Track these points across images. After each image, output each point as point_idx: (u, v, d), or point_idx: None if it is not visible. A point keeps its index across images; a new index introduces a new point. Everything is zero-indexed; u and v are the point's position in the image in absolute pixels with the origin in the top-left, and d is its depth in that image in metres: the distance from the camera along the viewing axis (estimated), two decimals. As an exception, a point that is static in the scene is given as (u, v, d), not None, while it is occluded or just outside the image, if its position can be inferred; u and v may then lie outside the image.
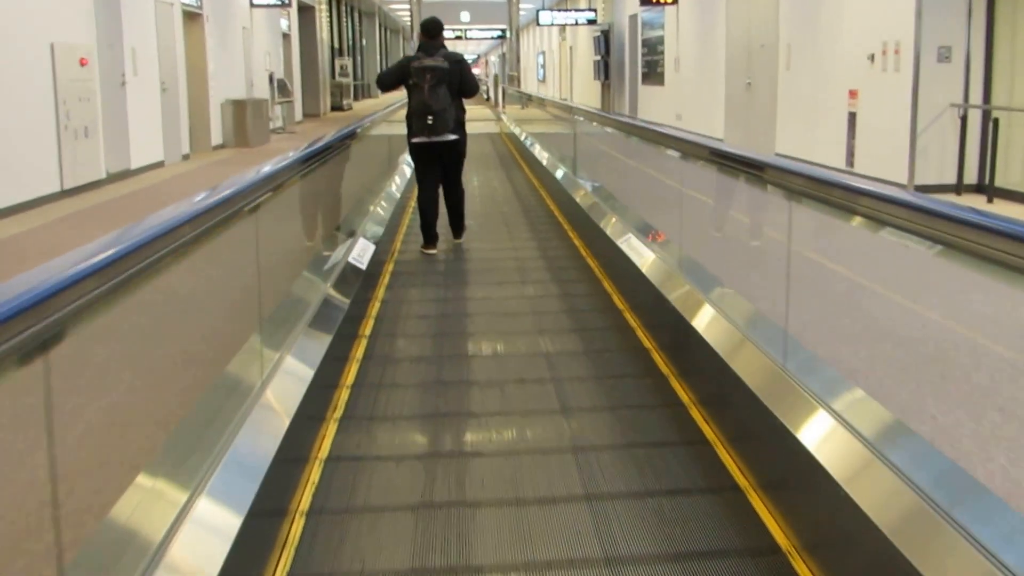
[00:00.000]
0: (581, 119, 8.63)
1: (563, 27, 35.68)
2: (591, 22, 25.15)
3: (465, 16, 26.87)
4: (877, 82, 9.48)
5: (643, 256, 4.80)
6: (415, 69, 6.07)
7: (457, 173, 6.57)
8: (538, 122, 15.61)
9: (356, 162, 6.19)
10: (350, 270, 4.65)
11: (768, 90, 12.80)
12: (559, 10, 25.56)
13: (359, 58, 38.63)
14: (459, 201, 6.64)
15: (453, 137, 6.26)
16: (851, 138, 10.18)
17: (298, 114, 22.45)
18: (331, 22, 30.55)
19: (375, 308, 4.89)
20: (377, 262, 5.63)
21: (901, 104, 8.98)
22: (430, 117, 6.07)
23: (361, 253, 5.02)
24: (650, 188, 5.55)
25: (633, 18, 22.22)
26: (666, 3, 17.94)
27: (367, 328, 4.49)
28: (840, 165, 10.42)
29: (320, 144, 4.28)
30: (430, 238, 6.38)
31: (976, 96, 8.70)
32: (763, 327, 3.13)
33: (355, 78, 35.92)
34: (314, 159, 3.99)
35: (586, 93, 29.67)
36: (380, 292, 5.28)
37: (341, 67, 30.94)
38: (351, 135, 5.56)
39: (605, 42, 23.93)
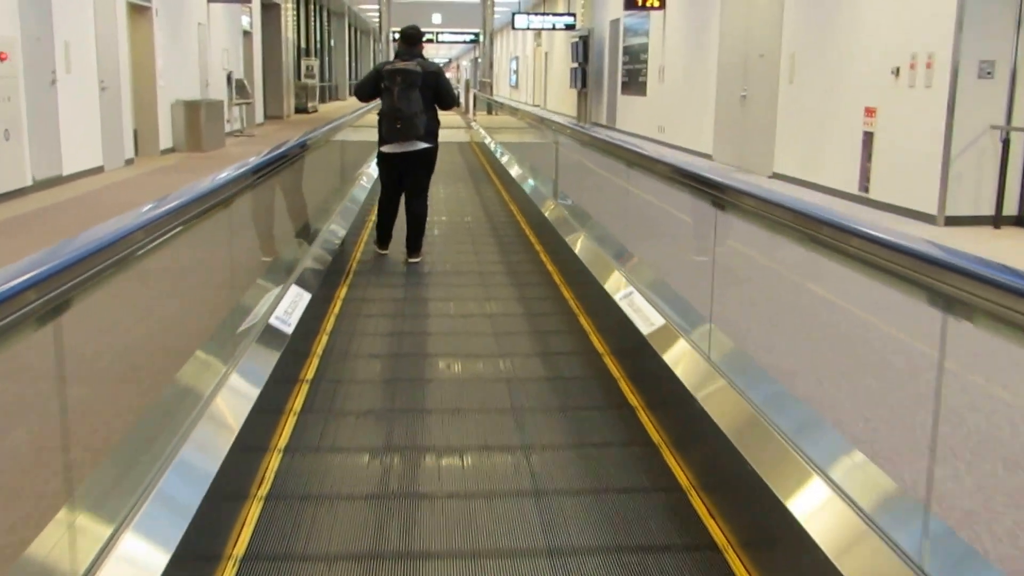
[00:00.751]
0: (552, 129, 8.06)
1: (539, 32, 34.72)
2: (569, 27, 24.14)
3: (437, 18, 25.73)
4: (902, 99, 8.48)
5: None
6: (387, 72, 5.92)
7: (423, 185, 6.31)
8: (509, 131, 14.64)
9: (304, 180, 5.63)
10: (270, 334, 3.54)
11: (766, 104, 11.80)
12: (535, 14, 24.53)
13: (327, 59, 37.41)
14: (422, 215, 6.31)
15: (424, 146, 6.04)
16: (866, 160, 9.18)
17: (259, 116, 21.23)
18: (297, 21, 29.33)
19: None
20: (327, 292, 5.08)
21: (932, 124, 7.99)
22: (399, 122, 5.88)
23: (289, 309, 3.88)
24: (627, 208, 5.22)
25: (614, 24, 21.22)
26: (653, 7, 16.94)
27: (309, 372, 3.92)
28: (851, 190, 9.43)
29: (246, 168, 3.22)
30: (384, 238, 6.37)
31: (1021, 118, 7.72)
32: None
33: (322, 79, 34.76)
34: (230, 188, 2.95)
35: (561, 101, 28.64)
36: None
37: (307, 68, 29.76)
38: (297, 150, 4.69)
39: (583, 48, 22.92)
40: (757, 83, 12.19)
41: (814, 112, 10.45)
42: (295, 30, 27.65)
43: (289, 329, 3.74)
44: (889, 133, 8.76)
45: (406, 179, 6.19)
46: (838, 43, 9.80)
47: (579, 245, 5.53)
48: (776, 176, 11.46)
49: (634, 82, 19.31)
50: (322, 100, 32.97)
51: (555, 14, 24.66)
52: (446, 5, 27.53)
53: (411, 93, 5.85)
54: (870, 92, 9.08)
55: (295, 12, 28.53)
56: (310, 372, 3.92)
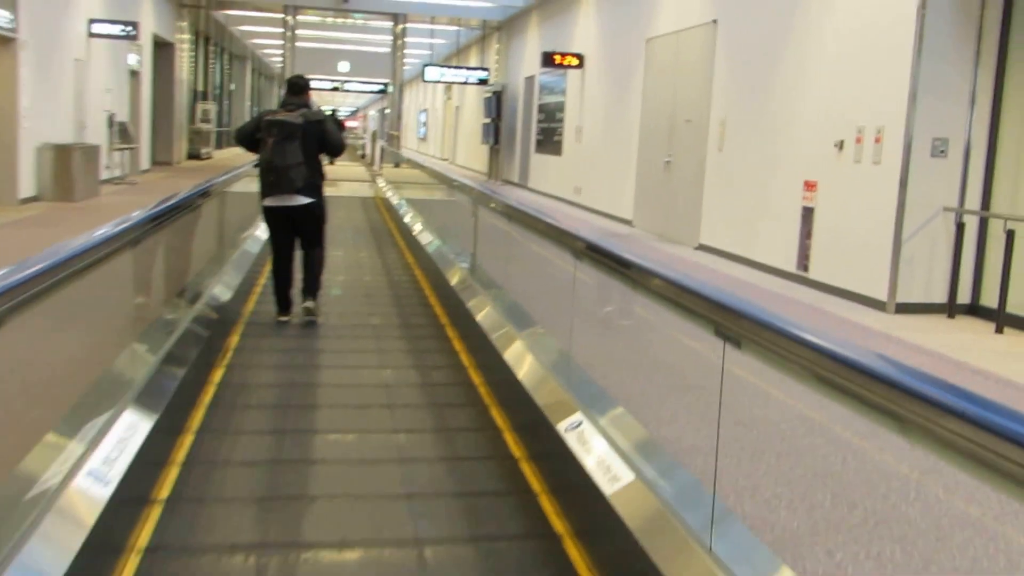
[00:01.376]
0: (459, 190, 7.76)
1: (450, 86, 34.06)
2: (482, 82, 23.42)
3: (344, 66, 24.70)
4: (847, 174, 7.81)
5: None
6: (266, 123, 5.74)
7: (316, 237, 6.14)
8: (416, 187, 13.76)
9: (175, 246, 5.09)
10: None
11: (693, 172, 11.11)
12: (448, 67, 23.76)
13: (227, 103, 35.96)
14: (318, 263, 6.16)
15: (305, 200, 5.82)
16: (805, 237, 8.48)
17: (145, 162, 19.74)
18: (195, 62, 27.94)
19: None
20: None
21: (881, 204, 7.31)
22: (272, 175, 5.72)
23: (112, 455, 2.85)
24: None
25: (529, 80, 20.58)
26: (571, 66, 16.29)
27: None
28: (788, 268, 8.72)
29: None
30: (284, 305, 6.06)
31: (974, 199, 7.09)
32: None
33: (220, 124, 33.30)
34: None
35: (472, 156, 27.86)
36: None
37: (203, 112, 28.34)
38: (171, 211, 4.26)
39: (497, 104, 22.20)
40: (683, 149, 11.52)
41: (746, 183, 9.77)
42: (191, 71, 26.30)
43: (106, 491, 2.64)
44: (832, 210, 8.08)
45: (295, 235, 6.04)
46: (775, 112, 9.16)
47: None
48: (703, 248, 10.73)
49: (549, 141, 18.62)
50: (220, 146, 31.54)
51: (468, 68, 23.95)
52: (354, 54, 26.57)
53: (287, 145, 5.67)
54: (810, 165, 8.41)
55: (191, 53, 27.15)
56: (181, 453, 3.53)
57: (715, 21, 10.60)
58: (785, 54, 8.96)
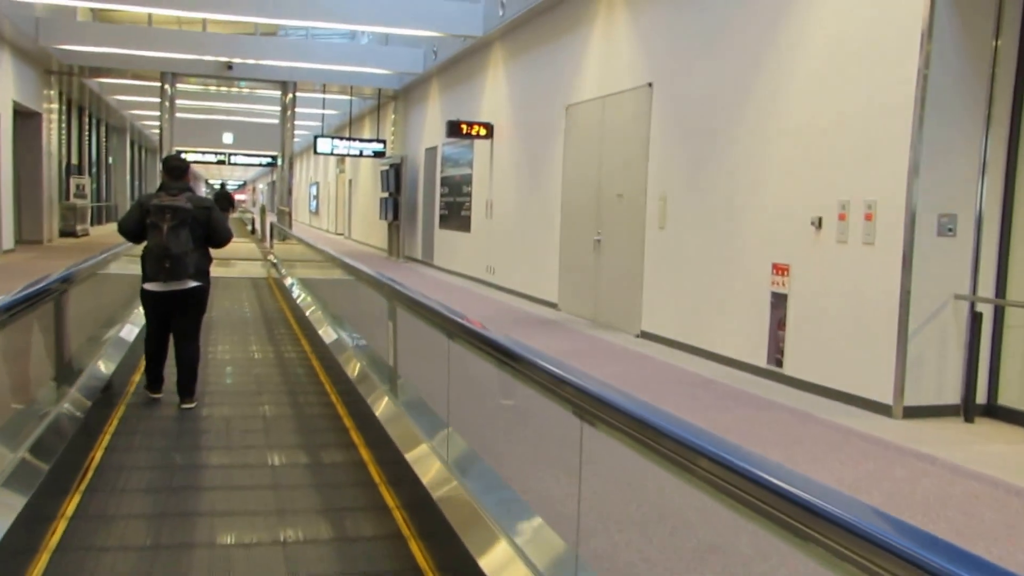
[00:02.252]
0: (349, 272, 7.26)
1: (343, 158, 32.71)
2: (378, 154, 22.14)
3: (228, 137, 23.05)
4: (828, 256, 6.73)
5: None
6: (154, 207, 5.64)
7: (194, 327, 6.03)
8: (311, 265, 12.35)
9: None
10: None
11: (629, 251, 9.97)
12: (340, 138, 22.39)
13: (104, 177, 33.66)
14: (193, 358, 6.01)
15: (193, 284, 5.83)
16: (777, 328, 7.35)
17: (8, 241, 17.64)
18: (66, 134, 25.84)
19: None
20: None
21: (877, 289, 6.23)
22: (168, 261, 5.63)
23: None
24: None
25: (431, 152, 19.38)
26: (479, 136, 15.14)
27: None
28: (756, 362, 7.56)
29: None
30: (156, 380, 6.03)
31: (987, 283, 6.07)
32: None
33: (97, 199, 31.04)
34: None
35: (370, 232, 26.41)
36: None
37: (78, 186, 26.21)
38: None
39: (396, 177, 20.90)
40: (615, 226, 10.38)
41: (696, 264, 8.64)
42: (62, 144, 24.22)
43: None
44: (810, 297, 6.97)
45: (173, 320, 5.91)
46: (729, 186, 8.09)
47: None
48: (645, 336, 9.53)
49: (455, 216, 17.37)
50: (98, 222, 29.27)
51: (362, 140, 22.63)
52: (240, 124, 24.96)
53: (181, 231, 5.61)
54: (779, 245, 7.32)
55: (62, 124, 25.06)
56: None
57: (650, 84, 9.58)
58: (743, 120, 7.93)
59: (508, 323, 10.73)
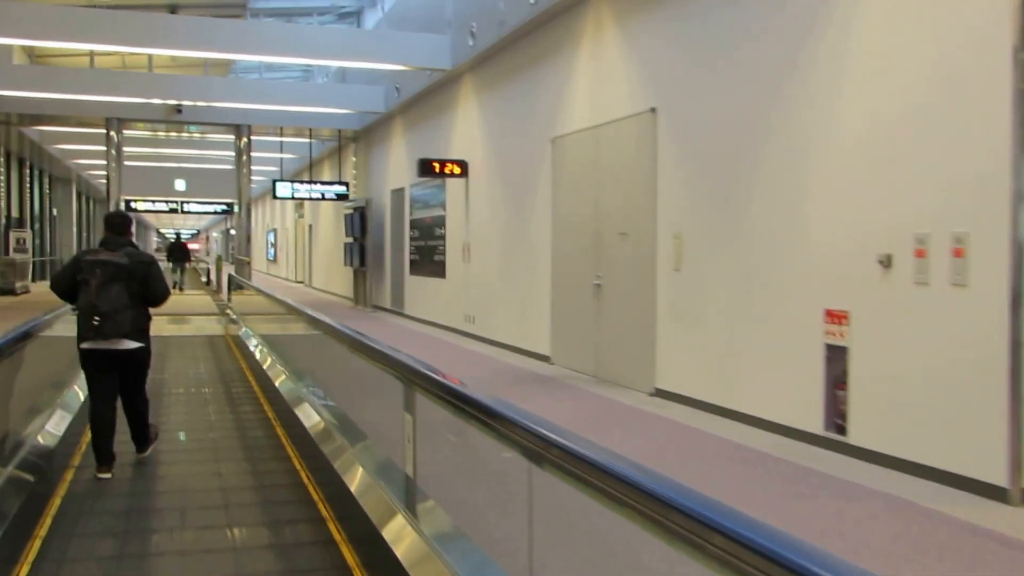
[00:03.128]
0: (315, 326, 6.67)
1: (301, 203, 31.46)
2: (341, 197, 20.93)
3: (180, 184, 21.69)
4: (902, 300, 5.63)
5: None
6: (86, 263, 5.43)
7: (138, 385, 5.83)
8: (270, 319, 11.19)
9: None
10: None
11: (638, 297, 8.84)
12: (300, 182, 21.15)
13: (48, 231, 32.04)
14: (143, 412, 5.90)
15: (132, 345, 5.56)
16: (835, 388, 6.22)
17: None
18: (5, 187, 24.38)
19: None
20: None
21: (973, 341, 5.13)
22: (97, 318, 5.36)
23: None
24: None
25: (398, 193, 18.22)
26: (453, 175, 14.00)
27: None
28: (810, 428, 6.42)
29: None
30: (104, 457, 5.53)
31: (1112, 332, 4.99)
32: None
33: (40, 254, 29.45)
34: None
35: (333, 280, 25.09)
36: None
37: (18, 240, 24.73)
38: None
39: (360, 221, 19.68)
40: (619, 269, 9.25)
41: (723, 310, 7.52)
42: (1, 196, 22.75)
43: None
44: (880, 350, 5.84)
45: (118, 381, 5.70)
46: (762, 218, 6.99)
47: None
48: (661, 394, 8.36)
49: (428, 261, 16.16)
50: (41, 277, 27.69)
51: (323, 182, 21.40)
52: (192, 171, 23.61)
53: (112, 287, 5.42)
54: (833, 288, 6.21)
55: (1, 175, 23.62)
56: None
57: (653, 110, 8.51)
58: (774, 143, 6.86)
59: (497, 380, 9.51)
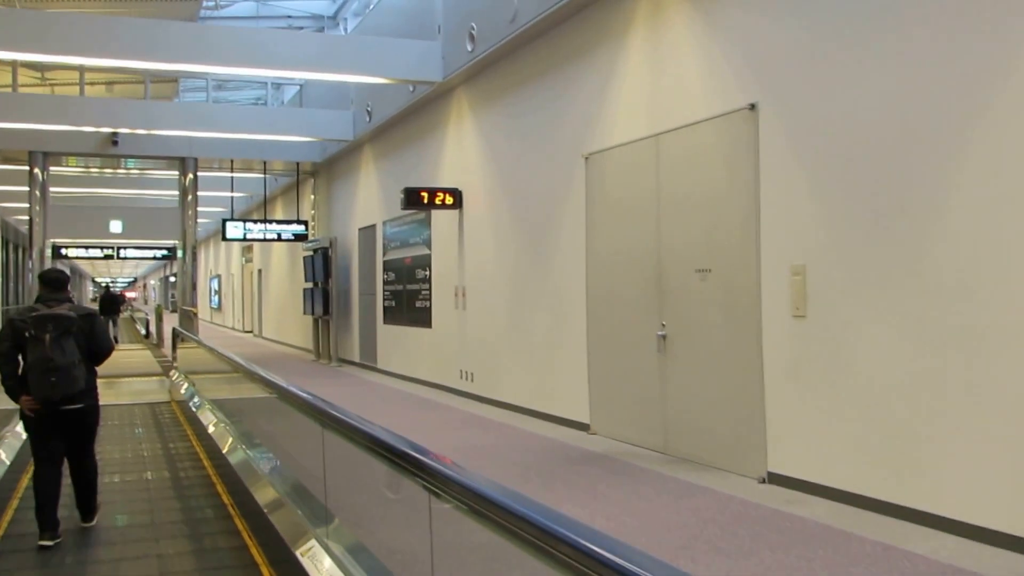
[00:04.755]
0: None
1: (248, 246, 29.03)
2: (299, 237, 18.63)
3: (116, 226, 19.15)
4: None
5: None
6: (34, 319, 5.23)
7: (88, 447, 5.62)
8: (222, 379, 9.12)
9: None
10: None
11: (730, 352, 6.76)
12: (253, 221, 18.78)
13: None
14: (92, 476, 5.61)
15: (83, 405, 5.41)
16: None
17: None
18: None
19: None
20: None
21: None
22: (54, 375, 5.17)
23: None
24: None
25: (367, 232, 15.99)
26: (443, 205, 11.84)
27: None
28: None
29: None
30: (48, 524, 5.16)
31: None
32: None
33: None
34: None
35: (287, 330, 22.64)
36: None
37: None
38: None
39: (324, 264, 17.36)
40: (697, 316, 7.15)
41: (883, 369, 5.44)
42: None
43: None
44: None
45: (64, 443, 5.43)
46: (945, 243, 4.96)
47: None
48: (777, 480, 6.24)
49: (407, 308, 13.91)
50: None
51: (280, 221, 19.08)
52: (129, 211, 21.09)
53: (66, 342, 5.26)
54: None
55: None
56: None
57: (753, 106, 6.49)
58: (976, 135, 4.85)
59: (532, 460, 7.33)
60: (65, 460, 5.50)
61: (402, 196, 11.72)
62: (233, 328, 33.49)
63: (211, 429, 8.49)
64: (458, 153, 12.12)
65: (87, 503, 5.62)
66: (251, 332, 29.67)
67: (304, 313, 18.94)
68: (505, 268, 10.61)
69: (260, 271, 27.61)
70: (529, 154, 10.04)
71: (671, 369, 7.46)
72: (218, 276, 38.63)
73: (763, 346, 6.37)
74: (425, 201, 11.74)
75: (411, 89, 12.86)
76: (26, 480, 6.62)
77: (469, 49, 10.89)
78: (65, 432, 5.43)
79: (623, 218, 8.16)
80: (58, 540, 5.18)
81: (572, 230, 9.03)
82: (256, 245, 28.03)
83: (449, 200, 11.80)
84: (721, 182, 6.84)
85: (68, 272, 6.03)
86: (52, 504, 5.23)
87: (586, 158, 8.75)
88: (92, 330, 5.49)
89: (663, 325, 7.53)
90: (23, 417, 5.43)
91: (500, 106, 10.81)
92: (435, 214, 12.65)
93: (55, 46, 10.83)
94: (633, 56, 8.05)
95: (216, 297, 39.22)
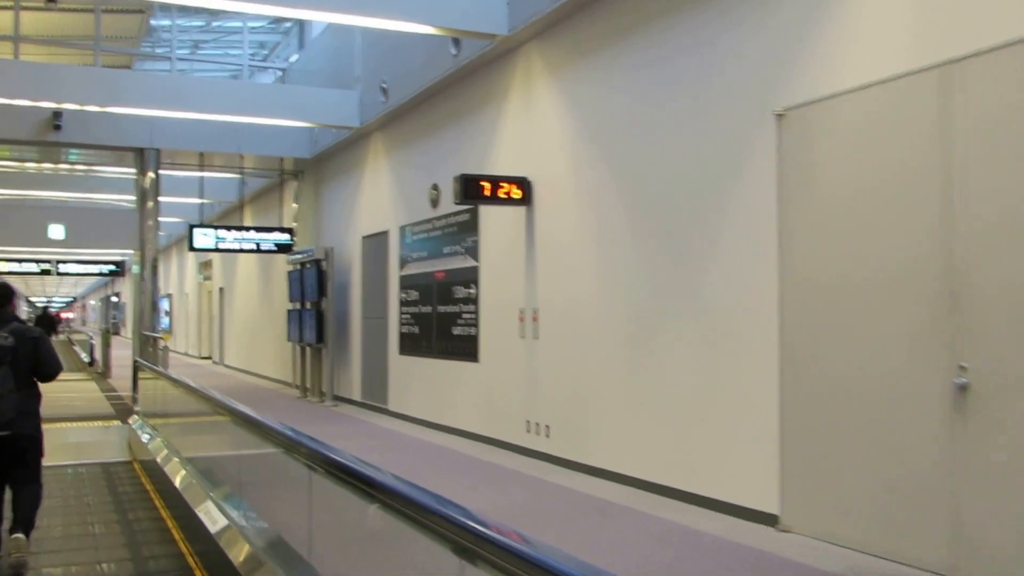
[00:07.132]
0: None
1: (207, 263, 25.76)
2: (283, 248, 15.48)
3: (57, 231, 15.76)
4: None
5: None
6: None
7: (31, 474, 5.32)
8: (209, 426, 6.27)
9: None
10: None
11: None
12: (227, 227, 15.56)
13: None
14: (33, 498, 5.33)
15: (11, 433, 5.12)
16: None
17: None
18: None
19: None
20: None
21: None
22: None
23: None
24: None
25: (375, 241, 12.94)
26: (509, 199, 8.88)
27: None
28: None
29: None
30: None
31: None
32: None
33: None
34: None
35: (255, 358, 19.39)
36: None
37: None
38: None
39: (317, 280, 14.21)
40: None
41: None
42: None
43: None
44: None
45: (4, 468, 5.22)
46: None
47: None
48: None
49: (438, 336, 10.88)
50: None
51: (260, 229, 15.91)
52: (73, 211, 17.75)
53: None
54: None
55: None
56: None
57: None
58: None
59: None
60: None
61: (456, 186, 8.71)
62: (187, 354, 30.03)
63: (213, 529, 5.37)
64: (524, 132, 9.19)
65: (26, 516, 5.26)
66: (209, 358, 26.28)
67: (289, 340, 15.73)
68: (612, 286, 7.67)
69: (221, 289, 24.30)
70: (660, 124, 7.15)
71: (979, 440, 4.58)
72: (168, 295, 35.06)
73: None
74: (488, 193, 8.75)
75: (454, 52, 9.92)
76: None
77: (556, -14, 7.99)
78: (5, 459, 5.23)
79: (861, 210, 5.29)
80: None
81: (746, 230, 6.14)
82: (216, 260, 24.73)
83: (516, 193, 8.84)
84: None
85: (13, 287, 5.58)
86: None
87: (779, 116, 5.89)
88: (37, 352, 5.31)
89: (962, 367, 4.66)
90: None
91: (605, 58, 7.90)
92: (484, 215, 9.70)
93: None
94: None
95: (167, 319, 35.61)
